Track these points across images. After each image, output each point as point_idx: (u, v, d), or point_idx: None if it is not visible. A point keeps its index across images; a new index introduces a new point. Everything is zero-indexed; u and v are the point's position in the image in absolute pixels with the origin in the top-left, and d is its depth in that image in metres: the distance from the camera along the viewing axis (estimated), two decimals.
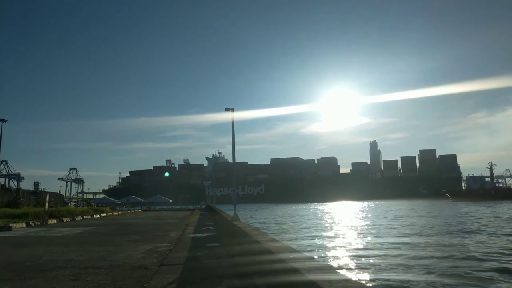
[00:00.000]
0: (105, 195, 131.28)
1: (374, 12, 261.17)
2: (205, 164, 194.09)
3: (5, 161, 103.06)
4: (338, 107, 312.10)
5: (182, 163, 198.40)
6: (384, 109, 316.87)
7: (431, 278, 11.73)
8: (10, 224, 20.68)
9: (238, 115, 26.54)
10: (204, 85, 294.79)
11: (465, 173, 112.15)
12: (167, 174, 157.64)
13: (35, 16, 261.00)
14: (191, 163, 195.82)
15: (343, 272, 11.89)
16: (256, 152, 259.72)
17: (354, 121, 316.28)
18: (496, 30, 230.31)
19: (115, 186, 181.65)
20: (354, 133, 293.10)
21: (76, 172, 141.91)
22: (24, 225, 22.16)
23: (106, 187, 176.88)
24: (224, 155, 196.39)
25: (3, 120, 55.62)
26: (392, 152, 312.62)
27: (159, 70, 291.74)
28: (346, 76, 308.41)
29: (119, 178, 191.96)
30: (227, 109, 21.89)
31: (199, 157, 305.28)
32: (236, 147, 21.84)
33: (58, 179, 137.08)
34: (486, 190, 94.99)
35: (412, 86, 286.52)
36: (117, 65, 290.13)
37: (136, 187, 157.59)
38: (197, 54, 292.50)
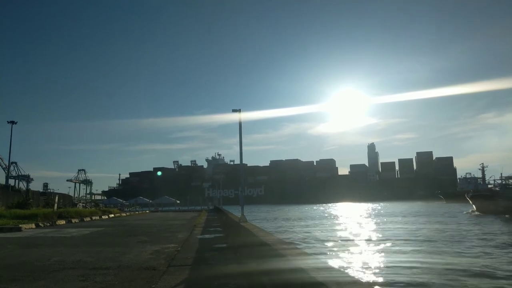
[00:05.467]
0: (104, 196, 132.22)
1: (382, 12, 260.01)
2: (205, 166, 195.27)
3: (15, 163, 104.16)
4: (346, 107, 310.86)
5: (190, 164, 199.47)
6: (393, 110, 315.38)
7: None
8: (20, 225, 20.86)
9: (245, 116, 26.51)
10: (211, 86, 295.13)
11: (475, 174, 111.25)
12: (159, 173, 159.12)
13: (42, 18, 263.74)
14: (192, 165, 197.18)
15: (352, 273, 11.90)
16: (256, 153, 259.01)
17: (362, 121, 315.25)
18: (507, 29, 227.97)
19: (114, 188, 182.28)
20: (362, 133, 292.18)
21: (85, 173, 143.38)
22: (33, 226, 22.34)
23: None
24: (223, 157, 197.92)
25: (13, 122, 56.40)
26: (400, 152, 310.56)
27: (167, 71, 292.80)
28: (354, 76, 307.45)
29: (119, 179, 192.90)
30: (234, 110, 21.91)
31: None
32: (244, 148, 21.85)
33: (67, 180, 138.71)
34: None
35: (421, 86, 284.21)
36: (125, 66, 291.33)
37: (135, 188, 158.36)
38: (204, 55, 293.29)
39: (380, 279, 12.26)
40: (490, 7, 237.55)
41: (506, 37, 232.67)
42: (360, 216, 50.06)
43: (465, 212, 51.39)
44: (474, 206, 54.52)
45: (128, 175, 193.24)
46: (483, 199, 52.24)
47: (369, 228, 31.32)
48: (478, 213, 49.95)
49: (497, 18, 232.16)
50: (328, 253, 18.34)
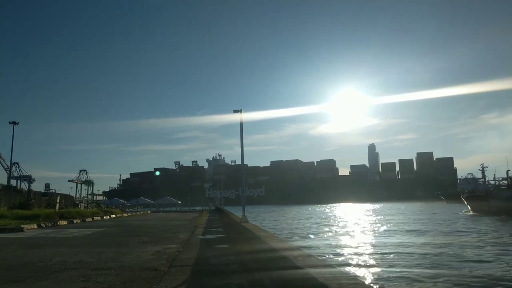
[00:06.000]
0: (105, 197, 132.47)
1: (383, 12, 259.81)
2: (206, 166, 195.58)
3: (17, 163, 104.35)
4: (347, 108, 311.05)
5: (191, 164, 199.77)
6: (394, 110, 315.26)
7: None
8: (22, 225, 20.88)
9: (247, 116, 26.44)
10: (211, 87, 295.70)
11: (476, 175, 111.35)
12: (157, 173, 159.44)
13: (43, 18, 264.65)
14: (193, 165, 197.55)
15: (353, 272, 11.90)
16: (257, 154, 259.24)
17: (363, 122, 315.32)
18: (508, 29, 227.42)
19: (115, 188, 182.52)
20: (363, 134, 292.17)
21: (86, 173, 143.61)
22: (35, 226, 22.37)
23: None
24: (224, 157, 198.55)
25: (14, 123, 56.51)
26: (401, 153, 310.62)
27: (167, 71, 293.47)
28: (355, 77, 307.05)
29: (120, 180, 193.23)
30: (235, 111, 21.85)
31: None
32: (245, 148, 21.79)
33: (69, 181, 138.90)
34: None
35: (422, 87, 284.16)
36: (125, 66, 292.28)
37: (136, 188, 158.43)
38: (204, 55, 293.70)
39: (382, 280, 12.25)
40: (491, 7, 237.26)
41: (506, 37, 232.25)
42: (362, 216, 50.04)
43: (461, 213, 51.87)
44: (468, 206, 55.48)
45: (128, 176, 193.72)
46: (477, 200, 53.19)
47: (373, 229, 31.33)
48: (473, 213, 50.62)
49: (498, 18, 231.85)
50: (331, 254, 18.31)
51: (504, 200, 45.68)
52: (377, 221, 40.29)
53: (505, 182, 56.78)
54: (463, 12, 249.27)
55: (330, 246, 21.16)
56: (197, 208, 75.46)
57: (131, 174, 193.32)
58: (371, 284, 9.50)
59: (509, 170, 57.79)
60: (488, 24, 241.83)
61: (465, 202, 57.70)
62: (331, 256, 17.25)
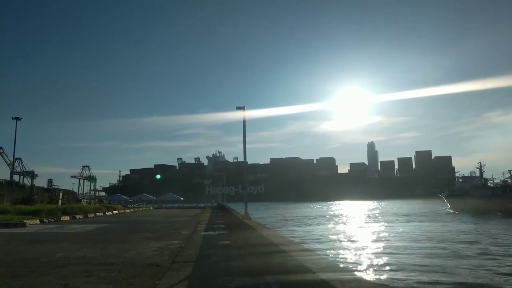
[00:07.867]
0: (104, 193, 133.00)
1: (387, 10, 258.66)
2: (206, 163, 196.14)
3: (20, 159, 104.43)
4: (350, 106, 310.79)
5: (193, 161, 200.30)
6: (396, 108, 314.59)
7: None
8: (25, 221, 20.94)
9: (250, 113, 26.42)
10: (215, 85, 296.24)
11: (477, 173, 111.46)
12: (158, 176, 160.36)
13: (42, 18, 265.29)
14: (196, 162, 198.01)
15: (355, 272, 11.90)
16: (258, 151, 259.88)
17: (365, 120, 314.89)
18: (511, 27, 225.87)
19: (115, 184, 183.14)
20: (365, 132, 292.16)
21: (89, 169, 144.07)
22: (38, 221, 22.44)
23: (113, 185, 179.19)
24: (224, 154, 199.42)
25: (17, 118, 56.69)
26: (403, 151, 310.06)
27: (167, 71, 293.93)
28: (357, 75, 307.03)
29: (119, 176, 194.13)
30: (238, 108, 21.87)
31: None
32: (247, 145, 21.80)
33: (71, 177, 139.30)
34: None
35: (425, 84, 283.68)
36: (125, 66, 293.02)
37: (136, 185, 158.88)
38: (208, 54, 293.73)
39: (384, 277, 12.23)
40: (495, 5, 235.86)
41: (510, 35, 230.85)
42: (368, 216, 50.06)
43: (446, 211, 54.95)
44: (448, 204, 59.30)
45: (128, 172, 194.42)
46: (455, 198, 56.99)
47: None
48: (452, 211, 53.59)
49: (502, 16, 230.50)
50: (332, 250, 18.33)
51: (478, 199, 49.22)
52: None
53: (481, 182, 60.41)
54: (467, 9, 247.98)
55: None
56: (198, 205, 75.64)
57: (130, 170, 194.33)
58: (373, 282, 9.49)
59: (484, 172, 60.96)
60: (491, 22, 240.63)
61: (445, 201, 61.65)
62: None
